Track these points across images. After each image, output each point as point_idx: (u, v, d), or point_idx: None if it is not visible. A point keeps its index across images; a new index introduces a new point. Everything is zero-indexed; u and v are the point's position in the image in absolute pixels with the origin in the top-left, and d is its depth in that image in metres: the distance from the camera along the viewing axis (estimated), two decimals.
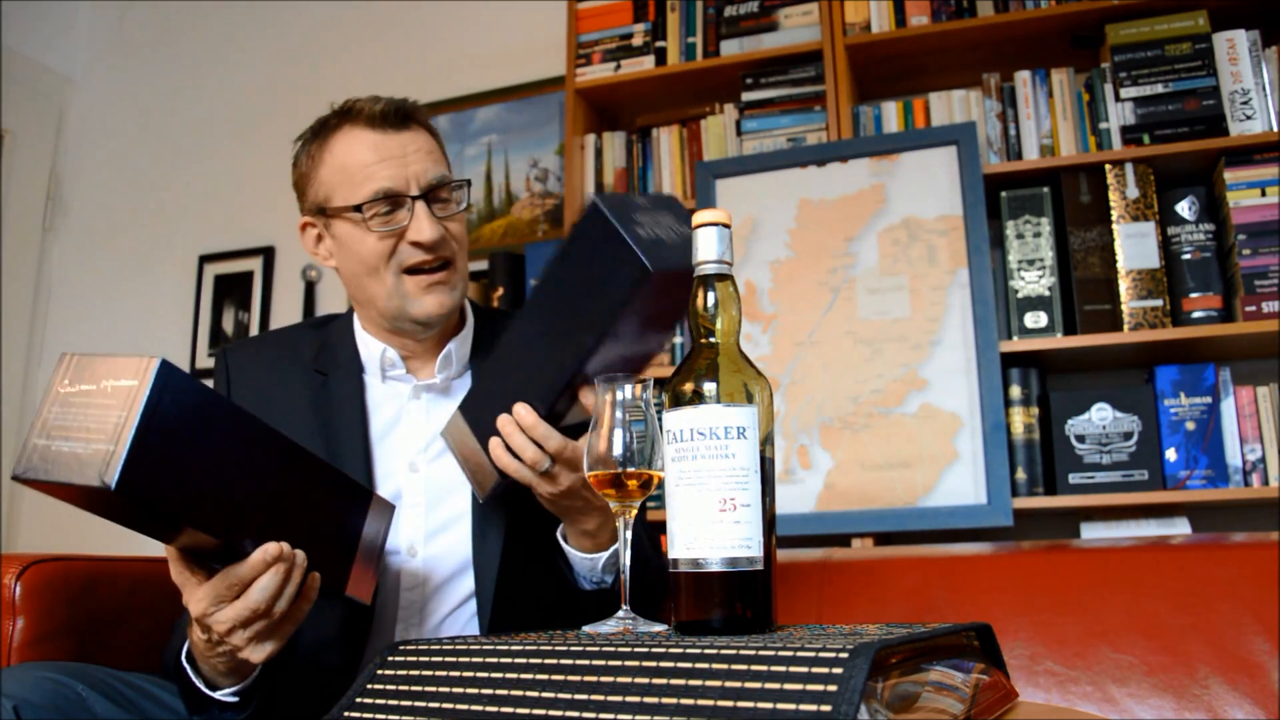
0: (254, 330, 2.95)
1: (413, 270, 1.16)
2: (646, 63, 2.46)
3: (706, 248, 0.84)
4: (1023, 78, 2.20)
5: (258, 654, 0.91)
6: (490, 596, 1.15)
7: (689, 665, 0.65)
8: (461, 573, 1.19)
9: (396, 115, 1.17)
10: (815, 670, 0.60)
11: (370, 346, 1.23)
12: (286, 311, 2.93)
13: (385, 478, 1.19)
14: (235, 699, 0.99)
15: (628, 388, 0.87)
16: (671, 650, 0.67)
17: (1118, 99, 2.10)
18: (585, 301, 0.93)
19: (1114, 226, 2.05)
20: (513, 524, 1.17)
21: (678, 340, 2.33)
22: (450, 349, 1.23)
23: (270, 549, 0.88)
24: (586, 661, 0.70)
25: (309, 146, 1.20)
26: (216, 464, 0.85)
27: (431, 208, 1.16)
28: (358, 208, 1.14)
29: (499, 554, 1.16)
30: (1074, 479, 1.99)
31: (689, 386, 0.81)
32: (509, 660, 0.75)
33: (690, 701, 0.63)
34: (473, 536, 1.17)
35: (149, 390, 0.77)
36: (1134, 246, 2.05)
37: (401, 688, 0.79)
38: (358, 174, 1.14)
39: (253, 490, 0.90)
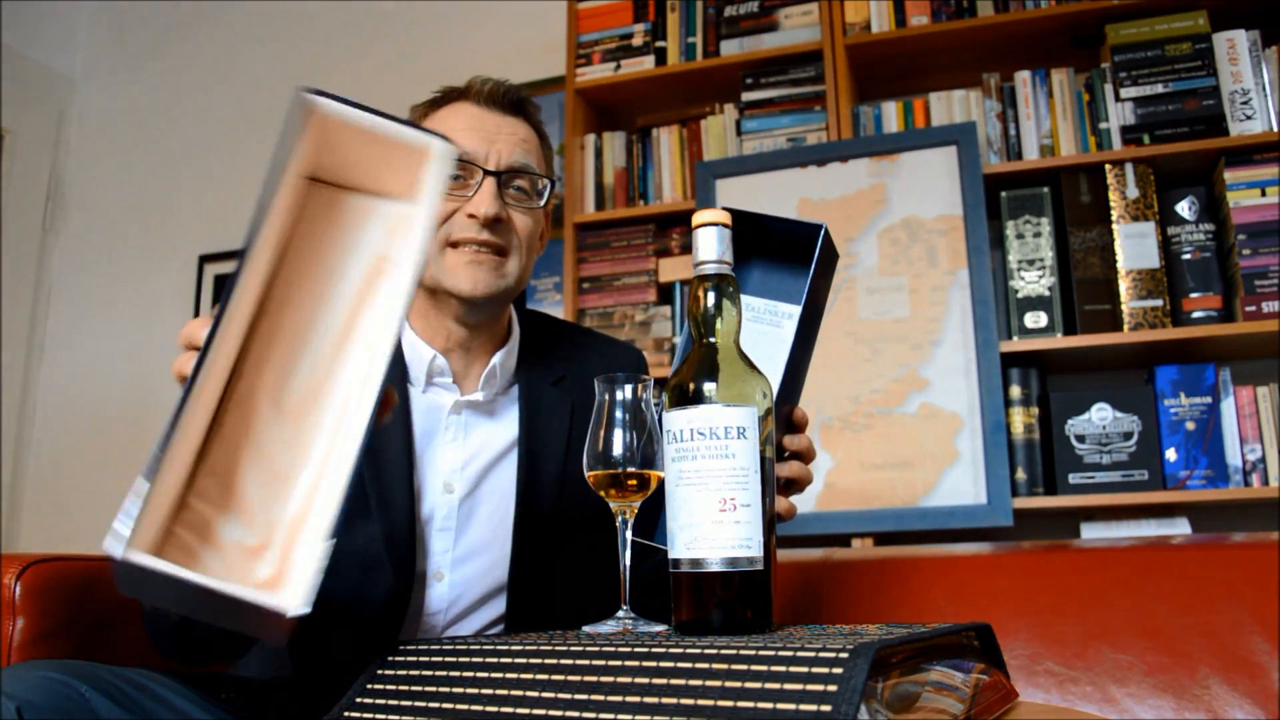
0: None
1: (458, 245, 1.11)
2: (646, 63, 2.46)
3: (706, 248, 0.84)
4: (1023, 78, 2.20)
5: None
6: (521, 622, 1.12)
7: (689, 665, 0.65)
8: (489, 598, 1.14)
9: (504, 98, 1.16)
10: (815, 670, 0.60)
11: (418, 350, 1.15)
12: None
13: (419, 496, 1.13)
14: None
15: (628, 388, 0.87)
16: (671, 650, 0.67)
17: (1118, 99, 2.10)
18: (817, 310, 1.03)
19: (1114, 226, 2.05)
20: (555, 545, 1.14)
21: (678, 340, 2.33)
22: (495, 363, 1.17)
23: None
24: (586, 661, 0.70)
25: (416, 112, 1.19)
26: None
27: (502, 191, 1.12)
28: None
29: (537, 579, 1.13)
30: (1074, 479, 1.99)
31: (689, 386, 0.81)
32: (508, 660, 0.75)
33: (690, 701, 0.63)
34: (512, 559, 1.13)
35: None
36: (1134, 246, 2.05)
37: (401, 688, 0.79)
38: None
39: None
